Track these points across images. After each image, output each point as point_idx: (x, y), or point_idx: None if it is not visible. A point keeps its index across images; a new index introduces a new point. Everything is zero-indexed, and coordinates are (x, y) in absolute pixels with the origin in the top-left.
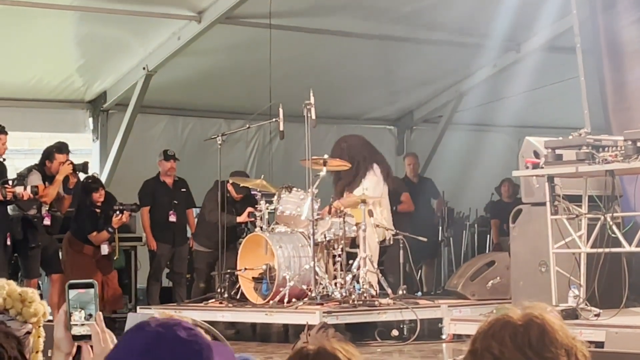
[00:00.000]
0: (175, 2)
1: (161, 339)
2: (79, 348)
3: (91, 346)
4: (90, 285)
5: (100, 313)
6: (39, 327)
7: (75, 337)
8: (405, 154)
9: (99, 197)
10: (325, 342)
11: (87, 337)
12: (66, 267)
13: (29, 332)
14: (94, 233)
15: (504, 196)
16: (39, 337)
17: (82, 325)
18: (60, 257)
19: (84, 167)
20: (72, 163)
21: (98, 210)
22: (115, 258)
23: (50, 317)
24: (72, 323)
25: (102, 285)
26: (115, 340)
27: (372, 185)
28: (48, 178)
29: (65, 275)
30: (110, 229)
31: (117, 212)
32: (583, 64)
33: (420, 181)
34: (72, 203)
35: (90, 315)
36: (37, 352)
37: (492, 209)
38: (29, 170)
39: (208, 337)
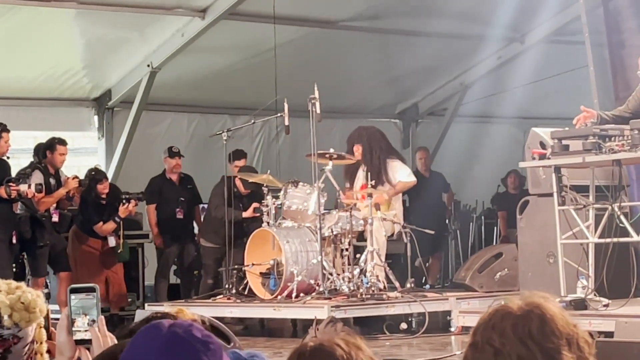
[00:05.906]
0: None
1: (178, 339)
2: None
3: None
4: (92, 290)
5: (103, 317)
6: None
7: (77, 342)
8: (417, 148)
9: (103, 188)
10: (325, 338)
11: (88, 342)
12: (71, 261)
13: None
14: (100, 224)
15: (510, 188)
16: (41, 327)
17: (85, 331)
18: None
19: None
20: (77, 177)
21: (103, 202)
22: (119, 251)
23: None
24: (75, 329)
25: (107, 281)
26: (117, 342)
27: (407, 172)
28: (49, 174)
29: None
30: (117, 218)
31: (124, 201)
32: (592, 53)
33: (432, 175)
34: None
35: (94, 321)
36: (41, 343)
37: (498, 201)
38: (32, 168)
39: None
